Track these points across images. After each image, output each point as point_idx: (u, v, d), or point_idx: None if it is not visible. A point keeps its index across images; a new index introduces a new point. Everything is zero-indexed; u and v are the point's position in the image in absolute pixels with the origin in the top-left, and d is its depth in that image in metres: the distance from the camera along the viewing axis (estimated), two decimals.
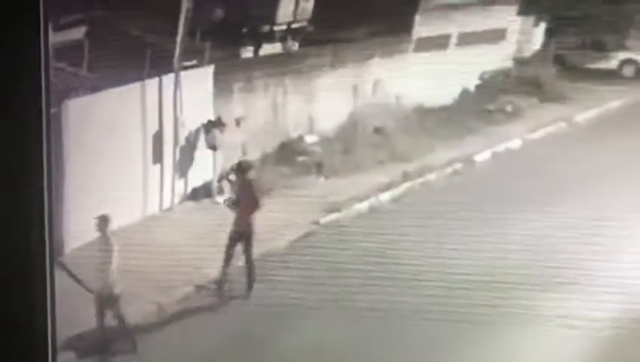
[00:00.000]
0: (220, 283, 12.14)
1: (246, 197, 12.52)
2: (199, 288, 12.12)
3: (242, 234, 12.18)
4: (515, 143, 16.54)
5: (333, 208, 13.81)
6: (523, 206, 13.28)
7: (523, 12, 17.84)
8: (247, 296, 11.93)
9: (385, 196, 14.36)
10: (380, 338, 10.87)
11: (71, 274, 10.89)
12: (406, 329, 10.92)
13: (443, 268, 11.76)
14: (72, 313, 9.10)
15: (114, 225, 11.27)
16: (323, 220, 13.57)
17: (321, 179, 14.78)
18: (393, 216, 13.60)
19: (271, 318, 11.00)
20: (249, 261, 12.18)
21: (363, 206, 14.08)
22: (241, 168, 12.97)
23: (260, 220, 12.41)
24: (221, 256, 11.98)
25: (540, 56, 18.06)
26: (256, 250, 12.14)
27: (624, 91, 17.35)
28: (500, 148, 16.24)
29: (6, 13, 4.67)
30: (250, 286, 12.00)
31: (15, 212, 4.87)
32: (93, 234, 11.41)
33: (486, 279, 11.66)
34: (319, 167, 14.87)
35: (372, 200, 14.20)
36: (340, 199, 13.97)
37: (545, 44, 18.01)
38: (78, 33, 13.25)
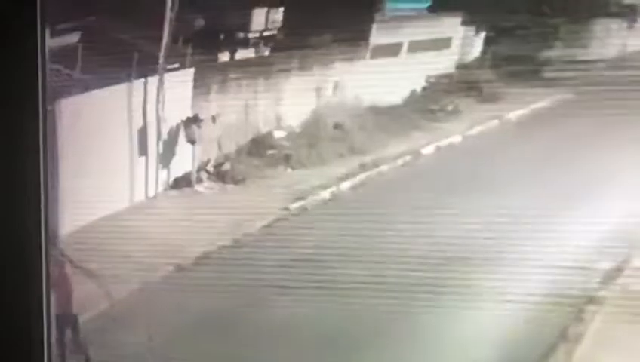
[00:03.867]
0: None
1: (60, 280, 11.45)
2: (179, 268, 11.80)
3: (64, 318, 10.66)
4: (456, 138, 16.36)
5: (300, 196, 13.57)
6: (463, 192, 13.10)
7: (466, 23, 17.66)
8: None
9: (345, 185, 14.16)
10: (337, 309, 10.66)
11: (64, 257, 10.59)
12: (360, 302, 10.71)
13: (395, 247, 11.52)
14: None
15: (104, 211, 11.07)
16: (291, 206, 13.30)
17: (289, 170, 14.56)
18: (352, 202, 13.52)
19: (246, 295, 10.72)
20: (77, 343, 10.81)
21: (326, 193, 13.87)
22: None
23: (234, 207, 12.17)
24: (201, 237, 11.74)
25: (479, 61, 18.07)
26: (231, 235, 11.97)
27: (549, 93, 17.34)
28: (443, 142, 16.09)
29: (8, 21, 4.23)
30: None
31: (14, 199, 4.42)
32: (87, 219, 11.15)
33: (432, 256, 11.44)
34: (287, 159, 14.67)
35: (334, 188, 14.00)
36: (306, 187, 13.77)
37: (484, 51, 18.03)
38: (73, 39, 12.98)
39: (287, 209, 13.23)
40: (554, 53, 18.15)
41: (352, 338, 10.40)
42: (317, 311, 10.52)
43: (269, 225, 12.81)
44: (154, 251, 11.37)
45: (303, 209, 13.37)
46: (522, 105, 17.40)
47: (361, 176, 14.47)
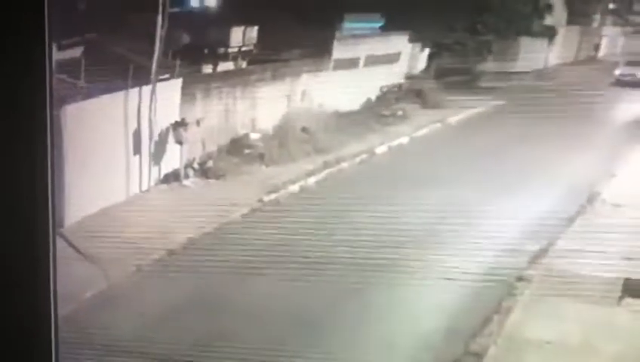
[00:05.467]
0: None
1: None
2: (170, 251, 11.50)
3: None
4: (405, 139, 16.26)
5: (273, 189, 13.35)
6: (411, 185, 13.01)
7: (413, 40, 17.76)
8: None
9: (311, 179, 13.96)
10: (305, 286, 10.40)
11: (70, 244, 10.27)
12: (325, 279, 10.48)
13: (353, 231, 11.28)
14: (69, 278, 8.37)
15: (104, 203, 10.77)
16: (265, 198, 13.07)
17: (263, 167, 14.36)
18: (317, 194, 13.31)
19: (230, 275, 10.44)
20: None
21: (295, 187, 13.65)
22: None
23: (216, 199, 12.13)
24: (188, 225, 11.48)
25: (424, 73, 18.18)
26: (214, 224, 11.73)
27: (483, 100, 17.42)
28: (394, 143, 15.98)
29: (18, 36, 3.98)
30: None
31: (24, 195, 4.18)
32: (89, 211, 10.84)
33: (385, 240, 11.13)
34: (261, 158, 14.50)
35: (302, 182, 13.78)
36: (278, 182, 13.56)
37: (428, 65, 18.14)
38: (77, 52, 12.74)
39: (261, 200, 12.99)
40: (487, 66, 18.28)
41: (315, 312, 10.12)
42: (285, 286, 10.25)
43: (246, 215, 12.51)
44: (147, 238, 11.03)
45: (276, 200, 13.15)
46: (460, 111, 17.51)
47: (325, 172, 14.32)
